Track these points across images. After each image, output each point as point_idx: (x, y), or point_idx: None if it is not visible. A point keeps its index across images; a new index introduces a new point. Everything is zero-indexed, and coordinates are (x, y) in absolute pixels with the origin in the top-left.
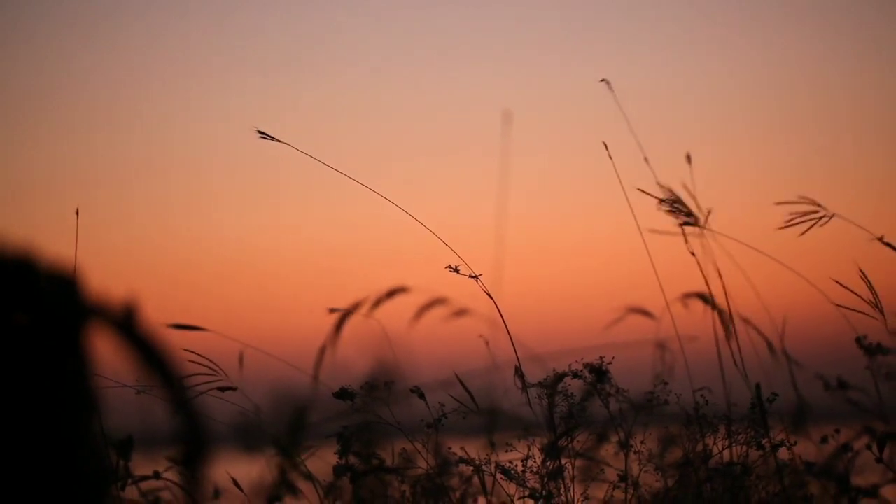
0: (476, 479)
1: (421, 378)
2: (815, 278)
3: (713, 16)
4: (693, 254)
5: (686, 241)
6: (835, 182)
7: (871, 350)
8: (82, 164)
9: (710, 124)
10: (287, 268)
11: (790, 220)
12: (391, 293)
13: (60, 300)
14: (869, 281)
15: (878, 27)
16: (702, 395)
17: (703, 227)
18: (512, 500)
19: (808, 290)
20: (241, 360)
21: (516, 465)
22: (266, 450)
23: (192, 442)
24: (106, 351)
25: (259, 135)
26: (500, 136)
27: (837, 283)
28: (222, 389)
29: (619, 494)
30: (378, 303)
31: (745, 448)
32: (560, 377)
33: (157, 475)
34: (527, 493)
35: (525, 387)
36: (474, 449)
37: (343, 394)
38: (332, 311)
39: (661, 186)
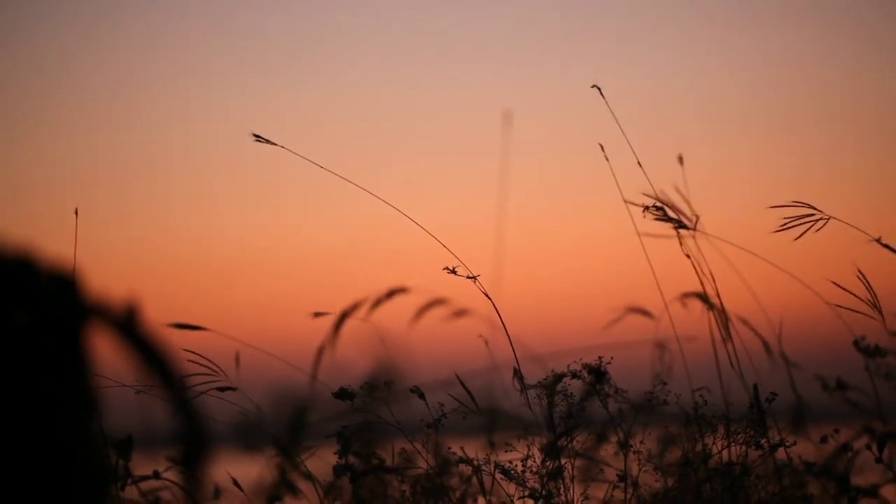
0: (476, 479)
1: (421, 378)
2: (813, 280)
3: (712, 16)
4: (688, 256)
5: (681, 243)
6: (833, 183)
7: (870, 352)
8: (82, 164)
9: (709, 124)
10: (287, 268)
11: (784, 224)
12: (391, 293)
13: (60, 300)
14: (867, 281)
15: (877, 27)
16: (701, 396)
17: (694, 231)
18: (512, 500)
19: (805, 292)
20: (237, 359)
21: (516, 465)
22: (266, 450)
23: (192, 442)
24: (106, 351)
25: (255, 138)
26: (499, 137)
27: (835, 284)
28: (222, 389)
29: (618, 494)
30: (378, 303)
31: (744, 448)
32: (559, 377)
33: (157, 475)
34: (526, 493)
35: (524, 388)
36: (474, 449)
37: (343, 394)
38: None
39: (652, 191)
